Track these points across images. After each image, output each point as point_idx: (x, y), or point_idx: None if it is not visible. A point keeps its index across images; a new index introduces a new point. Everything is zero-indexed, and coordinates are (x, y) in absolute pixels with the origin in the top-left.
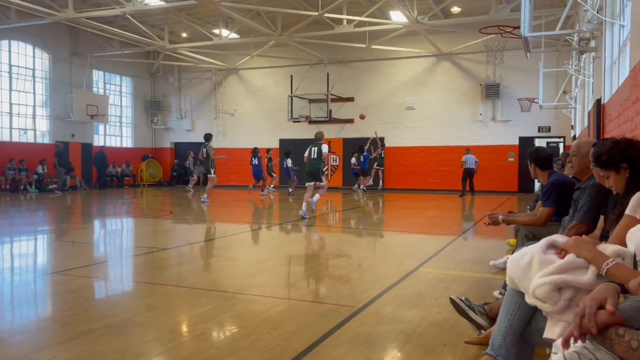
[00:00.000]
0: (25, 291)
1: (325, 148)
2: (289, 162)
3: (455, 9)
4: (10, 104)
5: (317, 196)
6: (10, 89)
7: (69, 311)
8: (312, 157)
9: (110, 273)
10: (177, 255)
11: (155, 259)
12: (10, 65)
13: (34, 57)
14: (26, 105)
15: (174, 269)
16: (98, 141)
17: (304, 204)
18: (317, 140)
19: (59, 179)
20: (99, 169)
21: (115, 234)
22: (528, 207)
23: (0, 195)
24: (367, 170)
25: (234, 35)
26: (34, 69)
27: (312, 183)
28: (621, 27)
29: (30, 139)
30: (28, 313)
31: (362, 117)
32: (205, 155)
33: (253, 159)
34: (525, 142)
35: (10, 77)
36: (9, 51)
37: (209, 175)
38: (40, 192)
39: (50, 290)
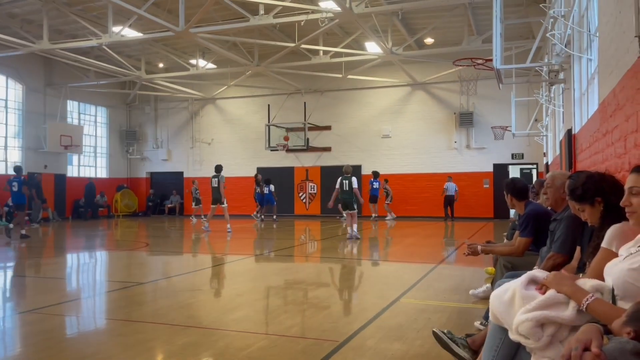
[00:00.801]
0: None
1: (355, 182)
2: (272, 187)
3: (429, 40)
4: None
5: (354, 226)
6: None
7: (42, 353)
8: (344, 189)
9: (85, 310)
10: (154, 289)
11: (132, 295)
12: None
13: (6, 87)
14: None
15: (151, 305)
16: (72, 172)
17: (349, 228)
18: (346, 173)
19: (35, 210)
20: (89, 201)
21: (89, 268)
22: (505, 234)
23: None
24: (376, 197)
25: (211, 65)
26: (6, 100)
27: (348, 211)
28: (589, 60)
29: (2, 171)
30: None
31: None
32: (216, 185)
33: (257, 187)
34: (500, 168)
35: None
36: None
37: (222, 206)
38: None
39: (21, 330)
